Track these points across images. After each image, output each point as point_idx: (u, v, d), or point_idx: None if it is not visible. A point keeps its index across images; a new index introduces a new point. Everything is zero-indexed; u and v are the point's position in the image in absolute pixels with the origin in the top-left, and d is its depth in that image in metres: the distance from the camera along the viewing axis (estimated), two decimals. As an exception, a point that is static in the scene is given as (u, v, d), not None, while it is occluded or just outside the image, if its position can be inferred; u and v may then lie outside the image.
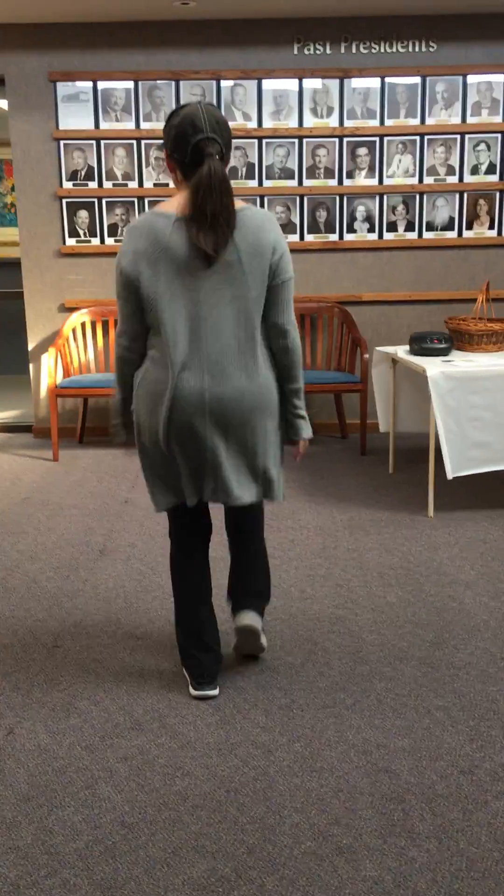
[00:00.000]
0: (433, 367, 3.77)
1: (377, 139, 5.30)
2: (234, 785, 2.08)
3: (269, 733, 2.29)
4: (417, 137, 5.31)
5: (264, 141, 5.29)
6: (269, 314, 2.28)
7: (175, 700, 2.45)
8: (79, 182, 5.34)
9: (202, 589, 2.46)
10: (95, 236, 5.41)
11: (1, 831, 1.92)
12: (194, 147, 2.15)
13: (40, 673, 2.62)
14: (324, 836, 1.90)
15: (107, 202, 5.37)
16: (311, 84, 5.21)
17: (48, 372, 5.00)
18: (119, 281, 2.24)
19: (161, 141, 5.26)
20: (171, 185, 5.36)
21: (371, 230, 5.42)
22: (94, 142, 5.29)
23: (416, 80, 5.22)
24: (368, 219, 5.41)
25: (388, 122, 5.28)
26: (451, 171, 5.36)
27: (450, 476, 3.72)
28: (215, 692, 2.45)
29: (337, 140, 5.30)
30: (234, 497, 2.33)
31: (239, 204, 2.23)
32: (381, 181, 5.36)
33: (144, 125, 5.27)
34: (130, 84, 5.21)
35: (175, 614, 2.50)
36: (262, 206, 5.37)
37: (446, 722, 2.33)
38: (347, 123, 5.27)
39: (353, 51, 5.17)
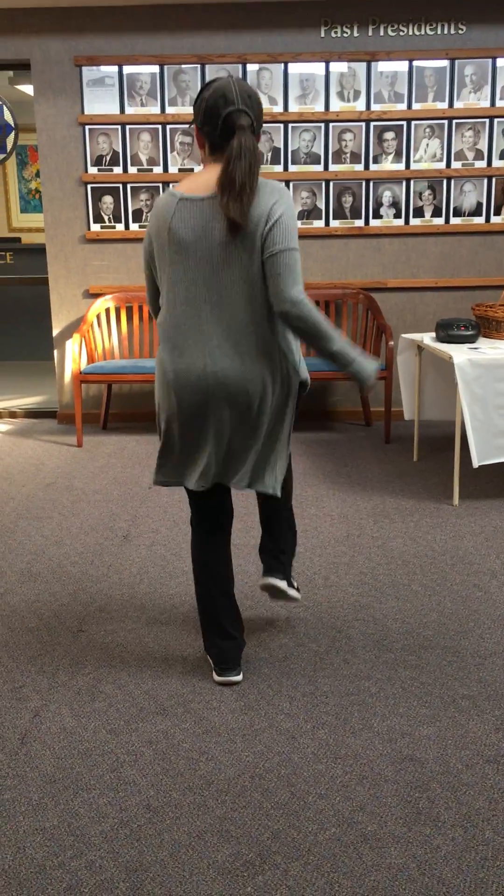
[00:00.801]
0: (460, 354, 3.73)
1: (404, 123, 5.24)
2: (258, 770, 2.08)
3: (294, 720, 2.29)
4: (445, 121, 5.24)
5: (290, 125, 5.25)
6: (269, 291, 2.15)
7: (199, 685, 2.46)
8: (104, 167, 5.33)
9: (222, 577, 2.45)
10: (120, 222, 5.40)
11: (27, 813, 1.94)
12: (225, 119, 2.14)
13: (65, 657, 2.63)
14: (348, 822, 1.90)
15: (132, 187, 5.36)
16: (337, 67, 5.16)
17: (72, 358, 5.01)
18: (144, 256, 2.35)
19: (186, 125, 5.24)
20: (196, 168, 5.33)
21: (397, 216, 5.37)
22: (119, 127, 5.28)
23: (445, 62, 5.15)
24: (395, 204, 5.35)
25: (415, 106, 5.22)
26: (479, 155, 5.29)
27: (476, 464, 3.69)
28: (239, 678, 2.46)
29: (363, 124, 5.25)
30: (237, 481, 2.33)
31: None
32: (407, 166, 5.30)
33: (170, 110, 5.25)
34: (156, 68, 5.18)
35: (197, 601, 2.50)
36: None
37: (472, 711, 2.32)
38: (374, 107, 5.22)
39: (381, 33, 5.10)
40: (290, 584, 2.65)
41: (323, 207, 5.36)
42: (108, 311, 5.49)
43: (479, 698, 2.38)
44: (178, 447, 2.36)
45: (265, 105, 5.22)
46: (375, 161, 5.30)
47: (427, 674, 2.51)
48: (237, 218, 2.10)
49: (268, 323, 2.23)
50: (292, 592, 2.62)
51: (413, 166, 5.31)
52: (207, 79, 5.18)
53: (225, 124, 2.14)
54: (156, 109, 5.25)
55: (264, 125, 5.24)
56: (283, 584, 2.58)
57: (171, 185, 2.23)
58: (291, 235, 2.12)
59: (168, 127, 5.27)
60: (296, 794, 2.00)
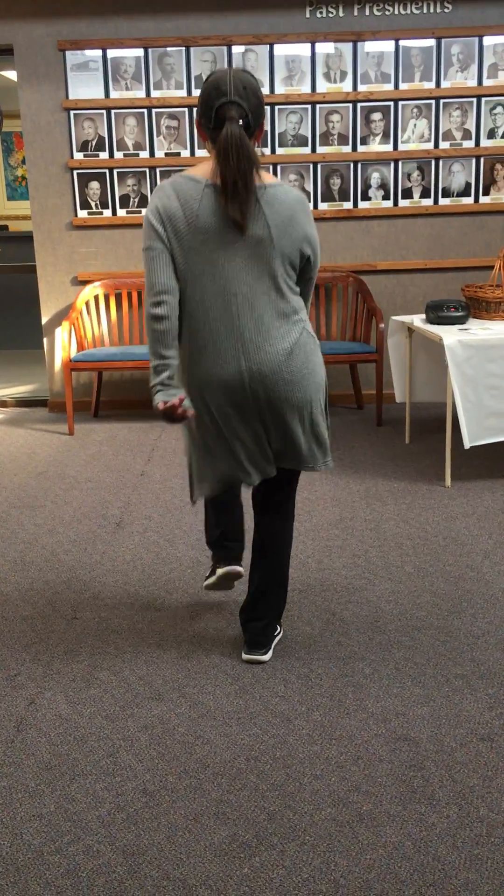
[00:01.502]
0: (450, 335, 3.73)
1: (391, 104, 5.21)
2: (253, 753, 2.09)
3: (288, 702, 2.30)
4: (433, 101, 5.21)
5: (277, 107, 5.21)
6: (300, 285, 2.33)
7: (194, 670, 2.46)
8: (90, 153, 5.29)
9: (231, 501, 2.59)
10: (107, 208, 5.37)
11: (24, 799, 1.95)
12: (217, 111, 2.12)
13: (60, 644, 2.64)
14: (344, 802, 1.91)
15: (118, 173, 5.32)
16: (323, 48, 5.12)
17: (62, 346, 4.99)
18: (147, 234, 2.15)
19: (171, 109, 5.20)
20: (183, 154, 5.29)
21: (386, 197, 5.35)
22: (104, 111, 5.23)
23: (431, 42, 5.11)
24: (383, 186, 5.33)
25: (402, 86, 5.18)
26: (467, 135, 5.26)
27: (467, 445, 3.69)
28: (240, 569, 2.63)
29: (350, 105, 5.21)
30: (282, 463, 2.36)
31: (270, 179, 2.19)
32: (395, 147, 5.28)
33: (155, 93, 5.20)
34: (140, 51, 5.13)
35: (205, 514, 2.66)
36: (274, 174, 5.31)
37: (465, 690, 2.33)
38: (361, 88, 5.18)
39: (367, 13, 5.06)
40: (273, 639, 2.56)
41: (311, 190, 5.33)
42: (96, 298, 5.47)
43: (472, 677, 2.39)
44: (221, 450, 2.32)
45: (251, 87, 5.17)
46: (363, 142, 5.27)
47: (420, 654, 2.52)
48: (238, 219, 2.10)
49: (295, 309, 2.24)
50: (266, 657, 2.51)
51: (401, 147, 5.28)
52: (192, 61, 5.14)
53: (217, 116, 2.12)
54: (141, 93, 5.20)
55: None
56: (267, 657, 2.49)
57: (157, 171, 2.18)
58: (319, 248, 2.30)
59: (154, 111, 5.23)
60: (291, 775, 2.01)
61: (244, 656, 2.49)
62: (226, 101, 2.11)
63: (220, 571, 2.63)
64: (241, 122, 2.11)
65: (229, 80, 2.11)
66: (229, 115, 2.10)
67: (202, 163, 2.21)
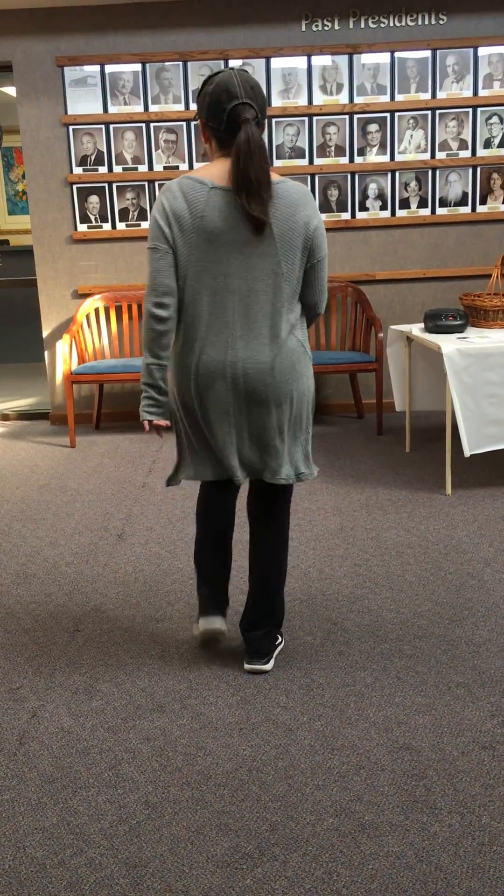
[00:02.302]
0: (448, 344, 3.74)
1: (388, 115, 5.24)
2: (255, 764, 2.09)
3: (290, 712, 2.30)
4: (429, 112, 5.24)
5: (274, 120, 5.25)
6: (306, 294, 2.28)
7: (195, 681, 2.47)
8: (89, 167, 5.33)
9: (219, 537, 2.50)
10: (107, 221, 5.40)
11: (27, 812, 1.95)
12: (230, 114, 2.12)
13: (62, 657, 2.64)
14: (346, 812, 1.91)
15: (117, 187, 5.36)
16: (319, 61, 5.16)
17: (63, 359, 5.01)
18: (152, 234, 2.17)
19: (169, 123, 5.24)
20: (182, 166, 5.33)
21: (383, 208, 5.37)
22: (102, 126, 5.27)
23: (427, 53, 5.15)
24: (380, 196, 5.36)
25: (398, 98, 5.22)
26: (463, 145, 5.29)
27: (467, 454, 3.70)
28: (221, 626, 2.51)
29: (347, 117, 5.25)
30: (256, 472, 2.34)
31: (274, 176, 2.20)
32: (392, 157, 5.31)
33: (153, 108, 5.24)
34: (138, 66, 5.18)
35: (194, 549, 2.56)
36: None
37: (467, 698, 2.33)
38: (357, 100, 5.22)
39: (362, 25, 5.10)
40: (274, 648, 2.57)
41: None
42: (97, 310, 5.49)
43: (474, 686, 2.39)
44: (204, 442, 2.34)
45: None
46: (360, 154, 5.30)
47: (422, 663, 2.52)
48: (262, 216, 2.11)
49: (289, 315, 2.24)
50: (268, 666, 2.52)
51: (398, 158, 5.31)
52: (190, 75, 5.18)
53: (230, 118, 2.12)
54: (139, 108, 5.24)
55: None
56: (269, 667, 2.50)
57: (156, 185, 2.20)
58: (325, 241, 2.28)
59: (152, 125, 5.27)
60: (293, 785, 2.01)
61: (246, 666, 2.49)
62: (238, 102, 2.12)
63: (199, 627, 2.53)
64: (254, 122, 2.13)
65: (238, 82, 2.12)
66: (244, 118, 2.11)
67: (205, 166, 2.22)
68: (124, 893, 1.71)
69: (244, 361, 2.22)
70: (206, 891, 1.71)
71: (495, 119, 5.26)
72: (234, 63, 5.15)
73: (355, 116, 5.25)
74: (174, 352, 2.30)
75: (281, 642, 2.61)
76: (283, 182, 2.20)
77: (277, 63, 5.16)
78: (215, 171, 2.18)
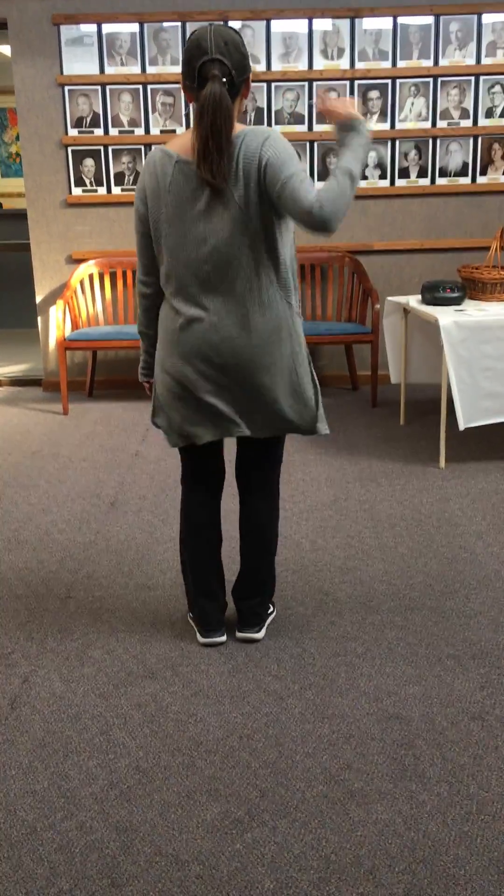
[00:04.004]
0: (445, 316, 3.72)
1: (389, 82, 5.16)
2: (246, 731, 2.10)
3: (281, 681, 2.31)
4: (430, 79, 5.16)
5: (273, 84, 5.16)
6: (297, 215, 2.00)
7: (187, 649, 2.47)
8: (84, 129, 5.24)
9: (213, 539, 2.46)
10: (102, 185, 5.32)
11: (18, 776, 1.96)
12: (199, 70, 2.05)
13: (54, 623, 2.64)
14: (335, 780, 1.93)
15: (113, 150, 5.28)
16: (321, 25, 5.06)
17: (56, 325, 4.97)
18: (135, 214, 2.26)
19: (167, 85, 5.15)
20: (178, 131, 5.25)
21: (382, 177, 5.31)
22: (99, 87, 5.17)
23: (430, 19, 5.06)
24: (380, 165, 5.29)
25: (400, 64, 5.13)
26: (465, 114, 5.22)
27: (462, 427, 3.69)
28: (223, 638, 2.48)
29: (348, 83, 5.16)
30: (246, 429, 2.30)
31: (239, 128, 2.10)
32: (392, 125, 5.24)
33: (150, 69, 5.14)
34: (136, 27, 5.07)
35: (181, 559, 2.51)
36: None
37: (457, 669, 2.34)
38: (359, 66, 5.13)
39: (365, -11, 5.00)
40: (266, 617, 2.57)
41: (308, 169, 5.29)
42: (91, 276, 5.43)
43: (464, 657, 2.40)
44: (177, 407, 2.30)
45: (248, 64, 5.12)
46: (360, 121, 5.22)
47: (413, 634, 2.53)
48: (208, 178, 2.05)
49: (270, 278, 2.17)
50: (259, 635, 2.53)
51: (398, 126, 5.24)
52: (188, 37, 5.08)
53: (200, 76, 2.05)
54: (136, 69, 5.14)
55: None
56: (260, 635, 2.50)
57: (153, 149, 2.15)
58: (289, 164, 2.02)
59: (149, 87, 5.18)
60: (284, 753, 2.02)
61: (238, 634, 2.50)
62: (207, 59, 2.03)
63: (201, 640, 2.50)
64: (224, 80, 2.04)
65: (210, 37, 2.04)
66: (212, 74, 2.02)
67: (183, 133, 2.18)
68: (114, 857, 1.72)
69: (228, 327, 2.19)
70: (195, 855, 1.72)
71: (498, 88, 5.19)
72: (233, 25, 5.04)
73: (356, 82, 5.16)
74: (161, 317, 2.31)
75: (273, 612, 2.61)
76: (247, 132, 2.08)
77: (278, 26, 5.06)
78: (185, 139, 2.14)
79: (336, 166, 2.04)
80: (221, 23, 2.06)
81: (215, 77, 2.03)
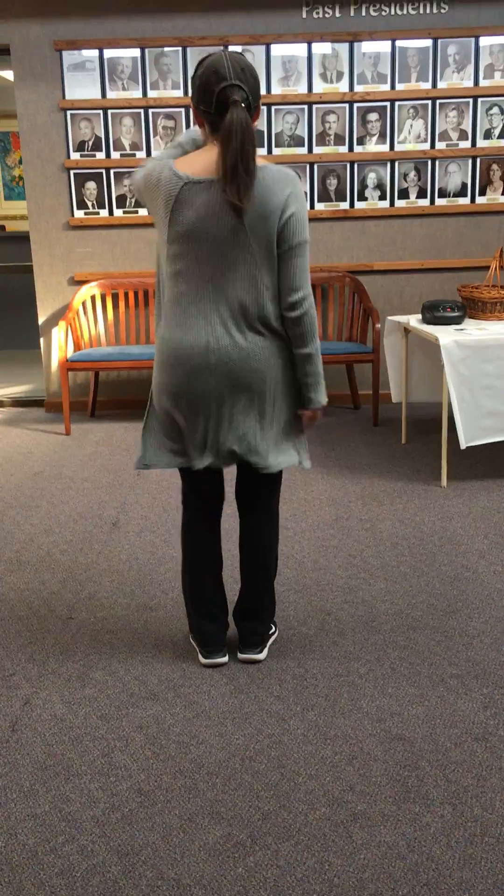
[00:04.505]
0: (446, 335, 3.73)
1: (388, 104, 5.22)
2: (248, 753, 2.09)
3: (283, 702, 2.30)
4: (429, 102, 5.21)
5: (273, 107, 5.21)
6: (280, 283, 2.20)
7: (189, 670, 2.47)
8: (86, 153, 5.29)
9: (211, 557, 2.46)
10: (104, 208, 5.37)
11: (19, 799, 1.95)
12: (218, 95, 2.08)
13: (55, 644, 2.64)
14: (338, 802, 1.91)
15: (115, 173, 5.32)
16: (320, 49, 5.12)
17: (59, 346, 4.99)
18: (141, 199, 2.25)
19: (168, 109, 5.20)
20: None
21: (382, 198, 5.35)
22: (100, 111, 5.23)
23: (428, 42, 5.12)
24: (379, 186, 5.33)
25: (398, 87, 5.19)
26: (463, 135, 5.27)
27: (463, 445, 3.70)
28: (225, 659, 2.47)
29: (347, 106, 5.22)
30: (238, 457, 2.30)
31: (260, 161, 2.16)
32: (392, 147, 5.28)
33: (151, 93, 5.20)
34: (137, 52, 5.13)
35: (182, 582, 2.51)
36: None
37: (460, 690, 2.33)
38: (357, 88, 5.19)
39: (363, 13, 5.07)
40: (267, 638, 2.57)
41: (308, 190, 5.34)
42: (93, 298, 5.46)
43: (467, 677, 2.39)
44: (178, 428, 2.32)
45: (248, 87, 5.18)
46: (360, 143, 5.28)
47: (415, 654, 2.52)
48: (235, 201, 2.07)
49: (271, 306, 2.21)
50: (262, 655, 2.52)
51: (397, 147, 5.29)
52: (189, 61, 5.14)
53: (219, 101, 2.08)
54: (137, 93, 5.20)
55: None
56: (262, 656, 2.50)
57: (169, 166, 2.15)
58: (305, 227, 2.17)
59: (150, 111, 5.23)
60: (286, 775, 2.01)
61: (240, 656, 2.49)
62: (227, 84, 2.07)
63: (203, 661, 2.49)
64: (243, 104, 2.08)
65: (227, 63, 2.08)
66: (233, 99, 2.07)
67: (194, 154, 2.18)
68: (116, 881, 1.71)
69: (226, 350, 2.20)
70: (197, 879, 1.71)
71: (496, 110, 5.24)
72: (233, 49, 5.10)
73: (355, 105, 5.22)
74: (159, 337, 2.29)
75: (275, 632, 2.60)
76: (264, 167, 2.15)
77: (277, 50, 5.12)
78: (199, 161, 2.16)
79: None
80: (232, 48, 2.10)
81: (236, 102, 2.07)
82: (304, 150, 5.27)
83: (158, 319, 2.30)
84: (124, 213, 5.38)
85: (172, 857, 1.77)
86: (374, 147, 5.28)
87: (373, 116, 5.24)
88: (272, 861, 1.75)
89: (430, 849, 1.77)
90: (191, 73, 5.15)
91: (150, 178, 2.19)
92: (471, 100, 5.22)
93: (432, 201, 5.36)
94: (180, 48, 5.12)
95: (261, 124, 5.23)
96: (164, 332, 2.27)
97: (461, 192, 5.35)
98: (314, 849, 1.78)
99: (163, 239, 2.20)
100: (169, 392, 2.28)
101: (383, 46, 5.12)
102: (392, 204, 5.36)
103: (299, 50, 5.13)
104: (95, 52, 5.14)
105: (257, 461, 2.30)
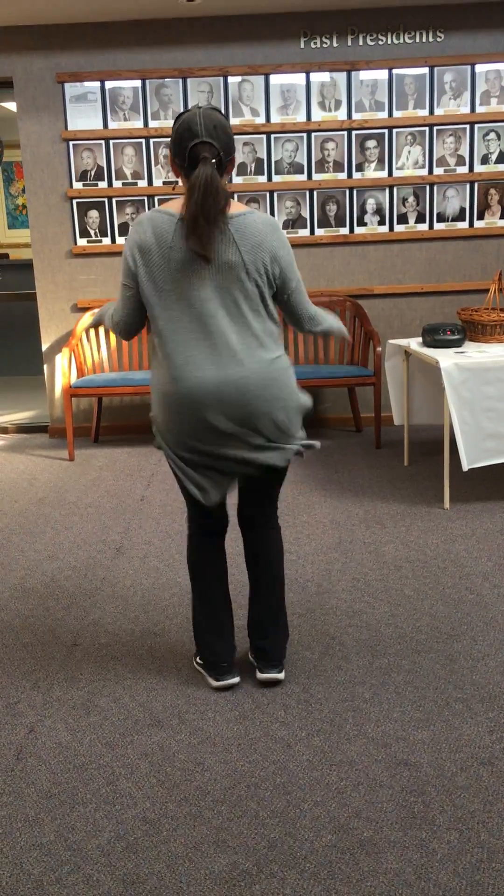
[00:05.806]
0: (446, 358, 3.75)
1: (386, 131, 5.28)
2: (254, 779, 2.08)
3: (288, 728, 2.29)
4: (426, 128, 5.28)
5: (272, 136, 5.28)
6: (292, 321, 2.39)
7: (194, 696, 2.46)
8: (89, 182, 5.36)
9: (222, 582, 2.49)
10: (106, 236, 5.42)
11: (24, 828, 1.94)
12: (190, 151, 2.20)
13: (60, 671, 2.64)
14: (344, 829, 1.90)
15: (117, 202, 5.39)
16: (318, 77, 5.20)
17: (62, 372, 5.03)
18: (123, 270, 2.32)
19: (168, 139, 5.27)
20: (180, 183, 5.36)
21: (381, 223, 5.40)
22: (102, 142, 5.30)
23: (424, 70, 5.19)
24: (379, 211, 5.39)
25: (396, 114, 5.26)
26: (461, 161, 5.33)
27: (465, 468, 3.71)
28: (236, 679, 2.48)
29: (345, 133, 5.28)
30: (258, 465, 2.34)
31: (240, 208, 2.27)
32: (390, 173, 5.34)
33: (153, 123, 5.28)
34: (138, 83, 5.22)
35: (194, 608, 2.51)
36: (271, 201, 5.37)
37: (465, 713, 2.33)
38: (356, 116, 5.26)
39: (360, 43, 5.15)
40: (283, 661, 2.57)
41: (307, 216, 5.39)
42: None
43: (473, 701, 2.39)
44: (199, 469, 2.35)
45: (247, 117, 5.26)
46: (358, 169, 5.34)
47: (420, 678, 2.52)
48: (198, 250, 2.18)
49: (268, 337, 2.31)
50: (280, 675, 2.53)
51: (396, 173, 5.35)
52: (189, 92, 5.22)
53: (191, 156, 2.21)
54: (139, 123, 5.28)
55: (249, 136, 5.27)
56: (283, 675, 2.51)
57: (156, 200, 2.25)
58: (295, 268, 2.34)
59: (151, 140, 5.31)
60: (292, 802, 2.00)
61: (260, 676, 2.49)
62: (198, 141, 2.20)
63: (214, 684, 2.49)
64: (213, 161, 2.19)
65: (199, 121, 2.20)
66: (202, 156, 2.19)
67: (177, 199, 2.30)
68: (122, 911, 1.70)
69: (236, 381, 2.25)
70: (203, 908, 1.70)
71: (492, 135, 5.30)
72: (233, 80, 5.19)
73: (353, 132, 5.28)
74: (157, 380, 2.33)
75: None
76: (248, 213, 2.26)
77: (276, 80, 5.20)
78: (181, 205, 2.26)
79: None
80: (208, 105, 2.24)
81: (206, 159, 2.18)
82: (303, 177, 5.34)
83: (156, 361, 2.34)
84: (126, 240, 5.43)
85: (178, 887, 1.76)
86: (372, 173, 5.34)
87: (371, 143, 5.30)
88: (278, 890, 1.74)
89: (437, 875, 1.76)
90: (191, 102, 5.23)
91: (140, 228, 2.27)
92: (468, 126, 5.28)
93: (431, 226, 5.41)
94: (181, 79, 5.20)
95: (260, 152, 5.30)
96: (167, 373, 2.28)
97: (460, 217, 5.40)
98: (320, 876, 1.77)
99: (160, 279, 2.24)
100: (182, 433, 2.31)
101: (380, 75, 5.20)
102: (391, 229, 5.41)
103: (298, 79, 5.20)
104: (97, 84, 5.22)
105: (267, 459, 2.34)
